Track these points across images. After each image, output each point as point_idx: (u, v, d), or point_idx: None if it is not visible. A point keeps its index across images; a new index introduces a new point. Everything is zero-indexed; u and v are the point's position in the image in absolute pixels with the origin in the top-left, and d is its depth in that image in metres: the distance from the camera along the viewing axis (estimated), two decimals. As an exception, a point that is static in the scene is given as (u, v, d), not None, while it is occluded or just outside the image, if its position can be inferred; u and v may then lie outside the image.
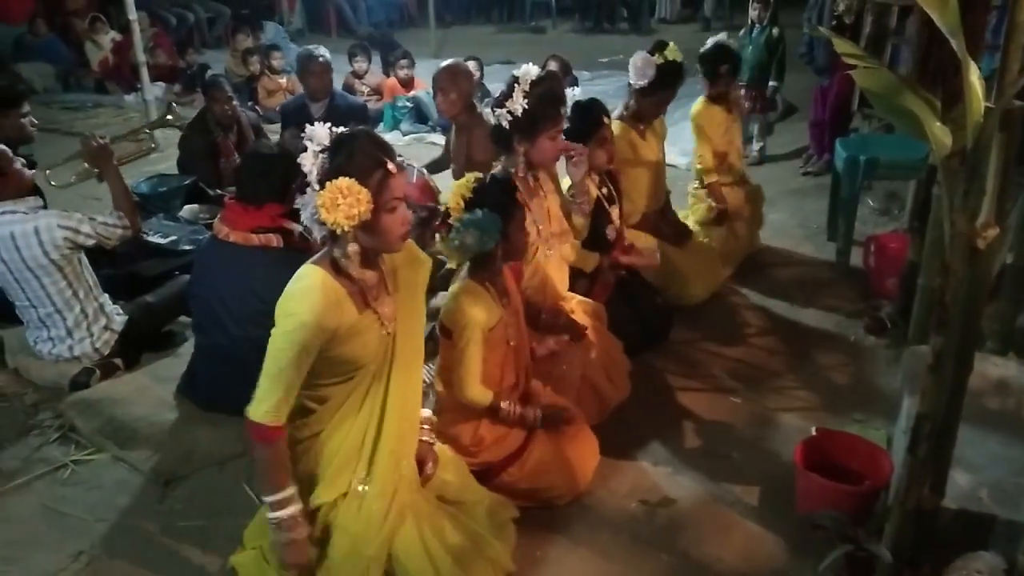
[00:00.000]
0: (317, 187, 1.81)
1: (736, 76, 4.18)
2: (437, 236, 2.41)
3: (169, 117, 4.31)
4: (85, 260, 3.28)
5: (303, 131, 1.90)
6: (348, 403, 2.03)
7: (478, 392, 2.38)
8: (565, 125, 2.79)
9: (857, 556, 2.09)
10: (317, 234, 1.89)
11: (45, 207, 3.30)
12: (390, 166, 1.85)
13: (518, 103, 2.65)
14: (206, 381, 3.05)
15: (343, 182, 1.77)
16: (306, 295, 1.87)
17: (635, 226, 3.67)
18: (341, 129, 1.88)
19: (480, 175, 2.39)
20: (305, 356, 1.87)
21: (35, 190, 3.34)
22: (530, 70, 2.70)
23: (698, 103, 4.11)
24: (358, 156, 1.82)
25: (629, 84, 3.57)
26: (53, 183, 3.88)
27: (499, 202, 2.33)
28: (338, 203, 1.76)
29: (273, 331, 1.88)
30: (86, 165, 3.58)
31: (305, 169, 1.83)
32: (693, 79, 4.05)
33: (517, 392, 2.54)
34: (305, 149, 1.84)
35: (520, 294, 2.72)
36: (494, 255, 2.38)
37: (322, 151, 1.83)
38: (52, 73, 9.38)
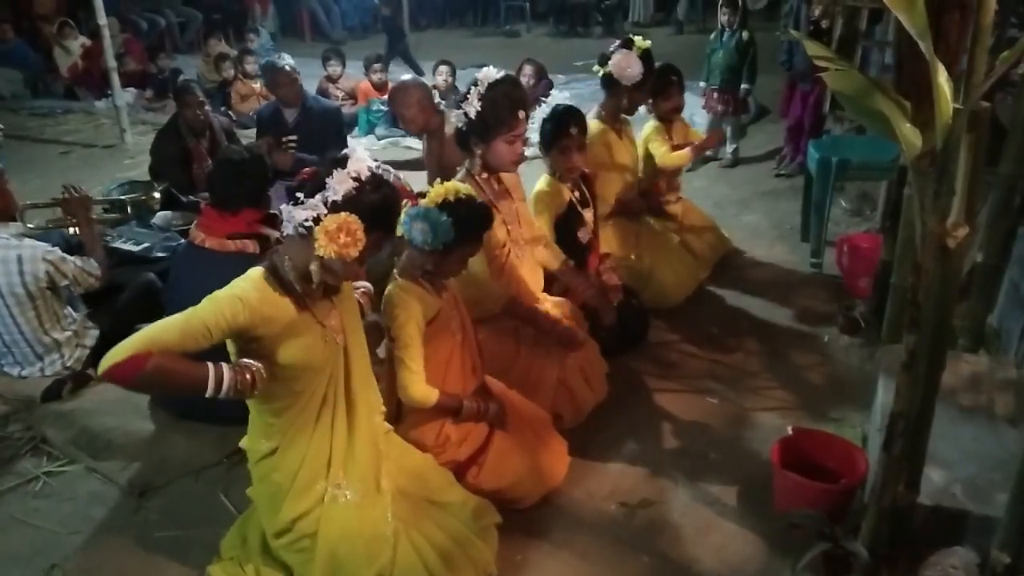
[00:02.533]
0: (327, 207, 1.79)
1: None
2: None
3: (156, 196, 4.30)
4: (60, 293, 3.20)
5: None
6: (303, 416, 2.01)
7: (422, 391, 2.32)
8: (524, 129, 2.72)
9: (834, 554, 2.11)
10: (289, 230, 1.86)
11: None
12: (389, 235, 1.93)
13: (473, 105, 2.64)
14: (181, 389, 3.00)
15: (355, 223, 1.77)
16: (244, 282, 1.88)
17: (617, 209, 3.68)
18: (384, 167, 1.91)
19: (474, 194, 2.36)
20: (219, 320, 1.79)
21: None
22: (489, 73, 2.67)
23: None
24: (383, 210, 1.85)
25: (610, 85, 3.54)
26: (28, 224, 3.81)
27: (465, 220, 2.28)
28: (339, 237, 1.76)
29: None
30: (62, 214, 3.51)
31: (330, 183, 1.80)
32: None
33: (476, 383, 2.53)
34: (339, 163, 1.82)
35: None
36: (423, 262, 2.34)
37: (356, 181, 1.81)
38: (20, 79, 9.24)
